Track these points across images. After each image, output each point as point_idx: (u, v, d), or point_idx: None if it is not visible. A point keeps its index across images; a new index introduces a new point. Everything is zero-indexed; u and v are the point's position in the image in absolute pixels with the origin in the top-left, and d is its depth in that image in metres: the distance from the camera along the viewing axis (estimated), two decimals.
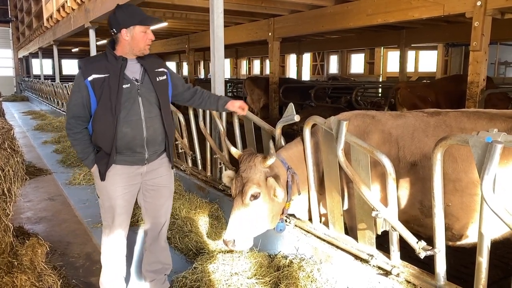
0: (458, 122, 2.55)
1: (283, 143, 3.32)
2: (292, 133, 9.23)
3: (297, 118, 3.08)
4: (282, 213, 2.91)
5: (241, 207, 2.69)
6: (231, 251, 3.39)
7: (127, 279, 3.11)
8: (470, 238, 2.49)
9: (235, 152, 2.96)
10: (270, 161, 2.67)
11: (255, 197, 2.68)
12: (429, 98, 6.94)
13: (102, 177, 2.58)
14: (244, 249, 2.81)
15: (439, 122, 2.60)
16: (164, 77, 2.72)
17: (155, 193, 2.79)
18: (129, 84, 2.52)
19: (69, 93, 11.48)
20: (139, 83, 2.56)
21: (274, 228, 2.91)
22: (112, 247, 2.75)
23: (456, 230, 2.51)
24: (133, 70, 2.58)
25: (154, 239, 2.88)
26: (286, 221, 3.26)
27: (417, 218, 2.62)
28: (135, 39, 2.52)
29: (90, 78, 2.45)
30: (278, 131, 3.33)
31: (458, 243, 2.59)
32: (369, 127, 2.75)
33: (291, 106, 3.19)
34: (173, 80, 2.84)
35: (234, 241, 2.68)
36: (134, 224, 4.10)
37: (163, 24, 11.24)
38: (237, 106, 3.17)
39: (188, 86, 3.04)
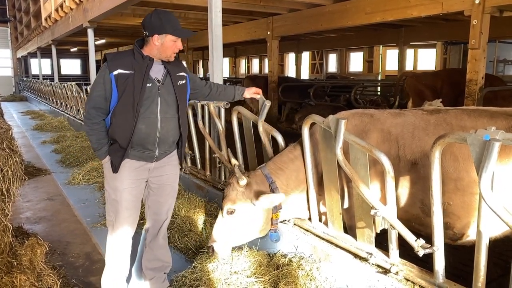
0: (459, 120, 2.54)
1: (281, 141, 3.35)
2: (291, 131, 9.25)
3: (268, 102, 3.41)
4: (272, 223, 3.00)
5: (221, 219, 2.95)
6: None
7: (127, 277, 3.11)
8: (471, 237, 2.48)
9: (234, 162, 3.14)
10: (242, 182, 2.87)
11: (231, 212, 2.90)
12: (435, 86, 6.90)
13: (115, 169, 2.64)
14: (224, 255, 3.00)
15: (440, 120, 2.58)
16: (184, 81, 2.80)
17: (159, 190, 2.83)
18: (151, 84, 2.60)
19: (67, 93, 11.47)
20: (160, 84, 2.64)
21: (269, 238, 3.08)
22: (115, 244, 2.76)
23: (457, 229, 2.51)
24: (156, 71, 2.65)
25: (154, 236, 2.91)
26: (285, 220, 3.26)
27: (418, 217, 2.62)
28: (164, 46, 2.61)
29: (115, 72, 2.52)
30: (260, 128, 3.43)
31: (460, 242, 2.59)
32: (368, 126, 2.75)
33: (262, 99, 3.48)
34: (191, 81, 2.94)
35: (213, 248, 2.93)
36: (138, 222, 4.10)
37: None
38: (252, 92, 3.43)
39: (205, 83, 3.18)
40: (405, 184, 2.60)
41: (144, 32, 2.62)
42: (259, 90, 3.48)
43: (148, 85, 2.58)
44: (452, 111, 2.64)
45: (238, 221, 2.92)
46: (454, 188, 2.41)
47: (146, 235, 2.95)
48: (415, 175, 2.56)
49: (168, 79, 2.68)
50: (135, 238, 2.94)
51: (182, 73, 2.80)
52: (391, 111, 2.84)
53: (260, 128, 3.46)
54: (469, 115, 2.54)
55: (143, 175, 2.74)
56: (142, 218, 3.64)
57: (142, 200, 2.86)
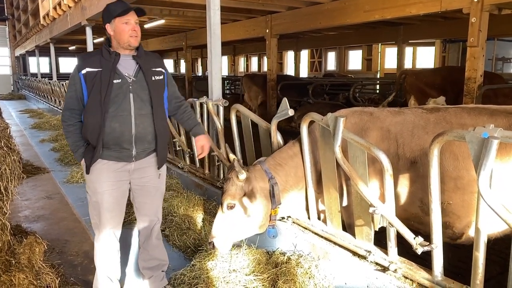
0: (459, 118, 2.53)
1: (279, 139, 3.33)
2: (290, 130, 9.25)
3: (291, 112, 3.13)
4: (270, 219, 2.99)
5: (221, 215, 2.95)
6: None
7: (124, 278, 3.11)
8: (471, 236, 2.47)
9: (232, 157, 3.14)
10: (242, 176, 2.86)
11: (231, 207, 2.90)
12: (435, 83, 6.88)
13: (87, 170, 2.60)
14: (224, 250, 2.99)
15: (439, 119, 2.57)
16: (161, 77, 2.71)
17: (143, 192, 2.77)
18: (120, 80, 2.52)
19: (66, 91, 11.45)
20: (131, 79, 2.56)
21: (267, 234, 3.07)
22: (101, 247, 2.72)
23: (457, 228, 2.50)
24: (127, 66, 2.58)
25: (147, 237, 2.88)
26: (283, 218, 3.26)
27: (417, 216, 2.62)
28: (117, 32, 2.54)
29: (83, 71, 2.50)
30: (273, 127, 3.34)
31: (459, 241, 2.58)
32: (367, 124, 2.74)
33: (285, 101, 3.20)
34: (168, 84, 2.81)
35: (214, 243, 2.93)
36: (131, 222, 4.09)
37: (160, 22, 11.20)
38: (199, 146, 3.01)
39: (178, 97, 2.96)
40: (404, 183, 2.60)
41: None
42: (206, 149, 3.02)
43: (116, 81, 2.51)
44: (452, 109, 2.63)
45: (238, 216, 2.92)
46: (454, 187, 2.41)
47: (139, 236, 2.92)
48: (414, 173, 2.55)
49: (140, 74, 2.59)
50: (126, 238, 2.94)
51: (159, 69, 2.70)
52: (390, 110, 2.83)
53: (273, 127, 3.36)
54: (469, 113, 2.53)
55: (124, 177, 2.67)
56: (134, 217, 3.65)
57: (131, 200, 2.82)
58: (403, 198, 2.62)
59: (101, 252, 2.73)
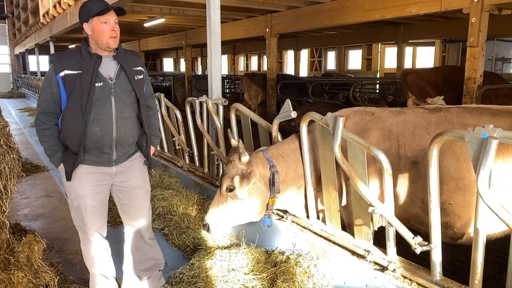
0: (461, 118, 2.52)
1: (280, 139, 3.32)
2: (289, 129, 9.25)
3: (293, 114, 3.11)
4: (267, 208, 2.98)
5: (219, 197, 2.95)
6: (228, 247, 3.40)
7: (121, 278, 3.10)
8: (472, 236, 2.46)
9: (233, 143, 3.12)
10: (244, 159, 2.85)
11: (230, 189, 2.88)
12: (436, 82, 6.87)
13: (68, 177, 2.48)
14: (217, 234, 3.01)
15: (441, 119, 2.56)
16: (141, 76, 2.62)
17: (130, 194, 2.70)
18: (102, 83, 2.42)
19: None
20: (113, 82, 2.45)
21: (262, 223, 3.07)
22: (90, 248, 2.68)
23: (458, 228, 2.49)
24: (108, 68, 2.47)
25: (138, 238, 2.82)
26: (283, 218, 3.27)
27: (418, 216, 2.61)
28: (96, 32, 2.41)
29: (61, 74, 2.37)
30: (274, 127, 3.33)
31: (460, 241, 2.58)
32: (368, 124, 2.73)
33: (288, 103, 3.19)
34: (146, 84, 2.73)
35: (209, 225, 2.94)
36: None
37: (160, 20, 11.17)
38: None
39: (152, 98, 2.86)
40: (405, 183, 2.59)
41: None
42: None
43: (98, 84, 2.39)
44: (454, 109, 2.62)
45: (236, 201, 2.89)
46: (455, 187, 2.40)
47: (129, 239, 2.87)
48: (415, 174, 2.55)
49: (122, 75, 2.49)
50: (122, 238, 2.91)
51: (139, 68, 2.60)
52: (392, 110, 2.83)
53: (274, 127, 3.35)
54: (471, 113, 2.52)
55: (105, 181, 2.59)
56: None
57: (116, 203, 2.77)
58: (404, 198, 2.62)
59: (90, 252, 2.70)
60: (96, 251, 2.70)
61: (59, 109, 2.45)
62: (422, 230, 2.60)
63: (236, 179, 2.84)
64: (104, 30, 2.41)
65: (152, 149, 2.81)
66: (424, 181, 2.46)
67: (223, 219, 2.95)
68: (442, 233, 2.50)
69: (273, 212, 3.14)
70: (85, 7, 2.45)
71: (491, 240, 2.46)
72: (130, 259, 3.38)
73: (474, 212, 2.36)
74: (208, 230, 2.96)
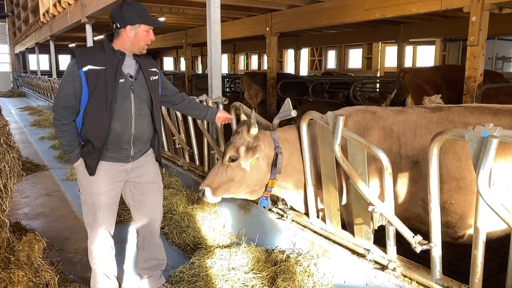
0: (462, 117, 2.51)
1: None
2: None
3: (294, 113, 3.11)
4: (265, 190, 2.98)
5: (220, 167, 2.97)
6: (228, 246, 3.40)
7: (122, 277, 3.11)
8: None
9: (243, 117, 3.22)
10: (253, 131, 2.87)
11: (232, 159, 2.90)
12: (434, 81, 6.86)
13: (92, 172, 2.53)
14: (211, 201, 3.00)
15: (442, 118, 2.56)
16: (156, 77, 2.72)
17: (143, 190, 2.76)
18: (123, 79, 2.50)
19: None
20: (133, 80, 2.54)
21: (258, 204, 3.10)
22: (96, 246, 2.71)
23: (459, 228, 2.49)
24: (128, 66, 2.56)
25: (147, 237, 2.85)
26: (283, 217, 3.27)
27: (419, 216, 2.61)
28: (138, 37, 2.52)
29: (85, 69, 2.40)
30: (275, 127, 3.33)
31: (461, 240, 2.58)
32: (370, 123, 2.73)
33: (288, 102, 3.19)
34: (163, 82, 2.85)
35: (204, 191, 2.94)
36: (126, 221, 4.10)
37: (160, 19, 11.18)
38: (223, 119, 3.28)
39: (177, 91, 3.05)
40: (406, 182, 2.58)
41: (114, 25, 2.50)
42: (230, 118, 3.36)
43: (120, 80, 2.47)
44: (455, 108, 2.61)
45: (236, 171, 2.90)
46: (456, 187, 2.40)
47: (137, 237, 2.89)
48: (416, 173, 2.54)
49: (140, 75, 2.58)
50: (124, 236, 2.92)
51: (154, 69, 2.71)
52: (393, 109, 2.82)
53: (274, 126, 3.36)
54: (472, 113, 2.51)
55: (121, 177, 2.65)
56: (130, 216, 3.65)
57: (127, 200, 2.81)
58: (405, 198, 2.61)
59: (96, 250, 2.72)
60: (102, 250, 2.73)
61: (79, 105, 2.47)
62: (423, 229, 2.60)
63: (242, 149, 2.87)
64: (145, 38, 2.55)
65: (224, 114, 3.25)
66: (425, 181, 2.45)
67: (220, 188, 2.94)
68: (443, 233, 2.50)
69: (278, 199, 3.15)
70: (134, 11, 2.48)
71: (492, 240, 2.46)
72: (131, 258, 3.39)
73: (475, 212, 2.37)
74: (203, 195, 2.96)
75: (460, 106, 2.66)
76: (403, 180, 2.59)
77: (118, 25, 2.49)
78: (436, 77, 6.91)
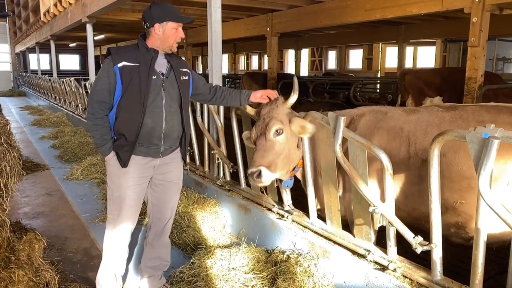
0: (477, 116, 2.49)
1: None
2: None
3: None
4: (293, 169, 2.97)
5: (265, 143, 2.75)
6: (228, 246, 3.40)
7: (124, 275, 3.11)
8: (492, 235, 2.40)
9: (251, 109, 3.07)
10: (293, 98, 2.84)
11: (278, 133, 2.77)
12: (434, 83, 6.85)
13: (125, 164, 2.59)
14: (267, 182, 2.76)
15: (455, 117, 2.54)
16: (187, 77, 2.79)
17: (164, 188, 2.82)
18: (156, 76, 2.58)
19: (66, 88, 11.44)
20: (164, 77, 2.62)
21: (282, 183, 3.03)
22: (115, 241, 2.74)
23: (470, 228, 2.45)
24: (161, 64, 2.64)
25: (158, 234, 2.88)
26: (283, 217, 3.27)
27: (427, 215, 2.60)
28: (166, 35, 2.59)
29: (120, 65, 2.50)
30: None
31: (472, 242, 2.57)
32: (380, 123, 2.75)
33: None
34: (195, 80, 2.91)
35: (260, 172, 2.68)
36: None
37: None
38: (259, 97, 2.98)
39: (209, 86, 3.09)
40: (415, 182, 2.57)
41: (145, 25, 2.62)
42: (269, 93, 2.98)
43: (153, 77, 2.56)
44: (470, 107, 2.59)
45: (283, 145, 2.77)
46: (467, 186, 2.37)
47: (148, 233, 2.92)
48: (425, 172, 2.52)
49: (172, 73, 2.66)
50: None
51: (185, 69, 2.78)
52: (406, 109, 2.83)
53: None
54: (488, 111, 2.49)
55: (148, 172, 2.72)
56: (141, 214, 3.67)
57: (145, 197, 2.83)
58: (414, 197, 2.60)
59: (113, 245, 2.75)
60: (119, 247, 2.76)
61: (112, 100, 2.55)
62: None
63: (285, 119, 2.77)
64: (174, 35, 2.61)
65: (261, 92, 2.97)
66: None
67: (271, 165, 2.72)
68: (454, 234, 2.50)
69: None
70: (161, 9, 2.58)
71: (492, 247, 2.43)
72: (133, 257, 3.40)
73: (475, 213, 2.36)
74: (259, 176, 2.68)
75: (476, 104, 2.63)
76: (412, 179, 2.57)
77: (148, 25, 2.60)
78: (437, 79, 6.91)
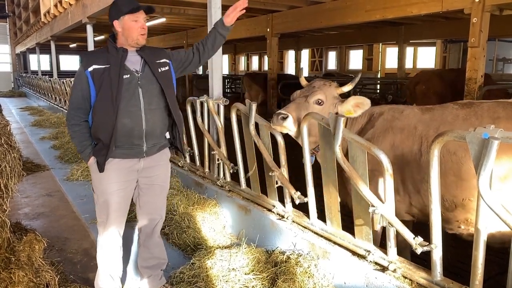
0: (492, 113, 2.48)
1: (280, 138, 3.31)
2: None
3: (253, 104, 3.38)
4: (315, 148, 3.01)
5: (303, 102, 2.92)
6: (228, 247, 3.40)
7: (123, 277, 3.11)
8: (495, 235, 2.41)
9: (304, 80, 3.24)
10: (347, 87, 3.00)
11: (319, 103, 2.91)
12: (445, 95, 6.87)
13: (101, 168, 2.54)
14: (285, 130, 2.93)
15: (469, 114, 2.54)
16: (167, 68, 2.70)
17: (149, 191, 2.77)
18: (129, 75, 2.52)
19: (66, 88, 11.45)
20: (139, 74, 2.56)
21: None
22: (107, 245, 2.72)
23: None
24: (133, 62, 2.58)
25: (148, 235, 2.87)
26: (283, 217, 3.27)
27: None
28: (126, 30, 2.53)
29: (90, 69, 2.47)
30: (253, 132, 3.46)
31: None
32: (396, 122, 2.78)
33: (247, 101, 3.43)
34: (175, 62, 2.80)
35: (288, 117, 2.85)
36: (131, 220, 4.09)
37: (161, 20, 11.19)
38: (230, 13, 2.85)
39: (190, 50, 2.93)
40: (425, 179, 2.58)
41: (111, 25, 2.58)
42: (238, 4, 2.83)
43: (126, 76, 2.50)
44: (486, 104, 2.58)
45: (316, 115, 2.83)
46: (476, 184, 2.40)
47: (140, 234, 2.91)
48: None
49: (147, 68, 2.59)
50: (126, 235, 2.91)
51: (163, 60, 2.69)
52: (422, 107, 2.84)
53: (253, 132, 3.47)
54: (505, 108, 2.48)
55: (132, 176, 2.67)
56: (134, 215, 3.67)
57: (132, 199, 2.81)
58: (423, 195, 2.61)
59: (104, 250, 2.73)
60: (112, 249, 2.74)
61: (89, 105, 2.53)
62: (444, 227, 2.58)
63: (330, 97, 2.93)
64: (135, 28, 2.53)
65: (229, 11, 2.85)
66: (444, 178, 2.42)
67: (299, 121, 2.88)
68: (465, 232, 2.53)
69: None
70: (116, 5, 2.56)
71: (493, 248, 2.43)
72: (132, 257, 3.40)
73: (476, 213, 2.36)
74: (284, 119, 2.85)
75: (493, 101, 2.61)
76: (424, 177, 2.57)
77: (110, 23, 2.57)
78: (447, 91, 6.89)
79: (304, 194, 3.10)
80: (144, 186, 2.75)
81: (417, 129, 2.67)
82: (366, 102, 2.86)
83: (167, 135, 2.79)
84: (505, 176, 2.32)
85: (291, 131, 2.94)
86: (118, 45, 2.58)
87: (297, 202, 3.07)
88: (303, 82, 3.23)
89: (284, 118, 2.85)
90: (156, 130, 2.64)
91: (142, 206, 2.81)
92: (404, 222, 2.91)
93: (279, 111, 2.91)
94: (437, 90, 7.05)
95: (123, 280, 3.08)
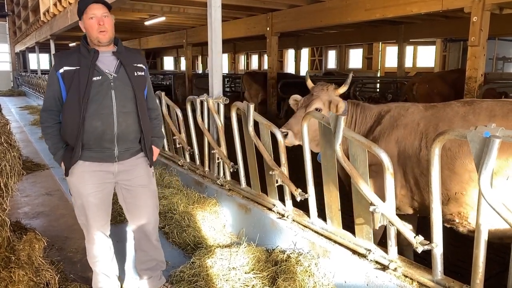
0: (489, 111, 2.51)
1: (280, 137, 3.31)
2: None
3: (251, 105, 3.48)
4: None
5: (303, 112, 3.04)
6: (229, 246, 3.40)
7: (123, 277, 3.10)
8: (494, 232, 2.39)
9: (310, 83, 3.45)
10: (343, 89, 3.16)
11: (318, 111, 3.01)
12: (448, 95, 6.85)
13: (66, 173, 2.49)
14: (290, 144, 3.15)
15: (468, 112, 2.59)
16: (142, 73, 2.61)
17: (134, 193, 2.68)
18: (100, 77, 2.43)
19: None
20: (112, 76, 2.46)
21: (317, 156, 3.11)
22: (93, 247, 2.69)
23: (472, 219, 2.52)
24: (107, 63, 2.49)
25: (143, 239, 2.81)
26: (283, 216, 3.26)
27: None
28: (87, 30, 2.47)
29: (61, 71, 2.42)
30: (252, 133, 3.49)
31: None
32: (401, 119, 2.84)
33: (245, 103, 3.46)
34: (147, 83, 2.70)
35: (287, 134, 3.11)
36: (126, 221, 4.09)
37: (161, 19, 11.16)
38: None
39: (153, 101, 2.80)
40: (423, 173, 2.62)
41: None
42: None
43: (96, 78, 2.41)
44: (486, 102, 2.61)
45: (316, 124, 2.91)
46: (468, 179, 2.43)
47: (134, 238, 2.87)
48: None
49: (122, 71, 2.49)
50: (124, 236, 2.91)
51: (140, 65, 2.59)
52: (426, 105, 2.90)
53: (251, 133, 3.51)
54: (502, 106, 2.50)
55: (108, 179, 2.57)
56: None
57: (119, 202, 2.76)
58: (423, 189, 2.65)
59: (93, 250, 2.71)
60: (99, 250, 2.71)
61: (61, 106, 2.48)
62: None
63: (326, 103, 3.11)
64: (92, 25, 2.44)
65: (156, 151, 2.78)
66: (445, 174, 2.45)
67: (299, 134, 3.02)
68: (460, 226, 2.56)
69: None
70: (78, 6, 2.51)
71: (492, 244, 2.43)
72: (131, 257, 3.39)
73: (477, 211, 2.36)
74: (285, 137, 3.11)
75: (494, 100, 2.65)
76: (421, 171, 2.62)
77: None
78: (451, 92, 6.87)
79: (304, 192, 3.10)
80: (127, 188, 2.66)
81: (420, 125, 2.73)
82: (341, 105, 3.05)
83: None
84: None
85: (295, 143, 3.14)
86: (90, 46, 2.49)
87: (298, 199, 3.06)
88: (310, 85, 3.42)
89: (285, 136, 3.11)
90: (129, 134, 2.52)
91: (129, 209, 2.74)
92: (409, 217, 2.95)
93: (281, 128, 3.15)
94: (439, 90, 7.03)
95: (122, 280, 3.07)
